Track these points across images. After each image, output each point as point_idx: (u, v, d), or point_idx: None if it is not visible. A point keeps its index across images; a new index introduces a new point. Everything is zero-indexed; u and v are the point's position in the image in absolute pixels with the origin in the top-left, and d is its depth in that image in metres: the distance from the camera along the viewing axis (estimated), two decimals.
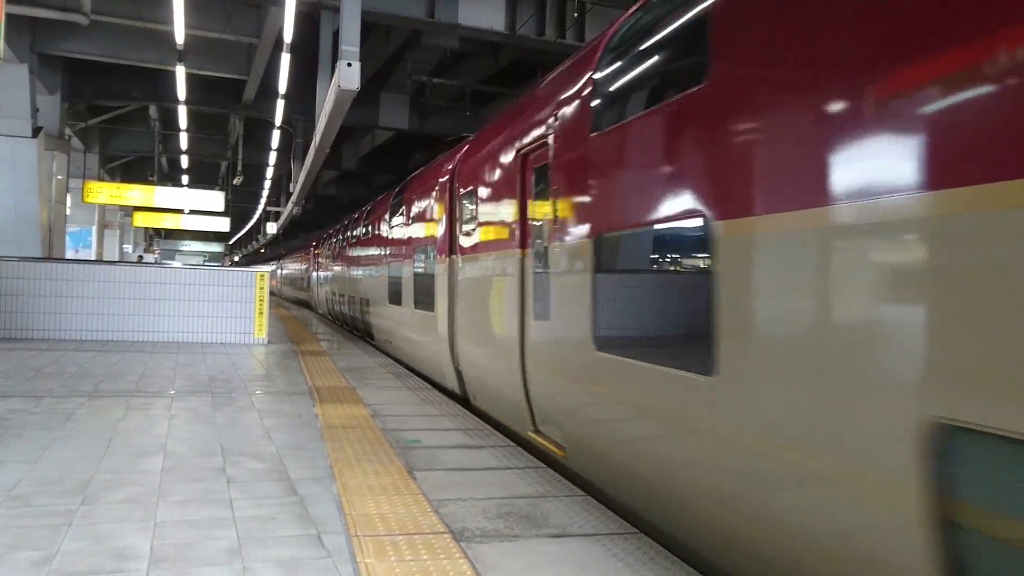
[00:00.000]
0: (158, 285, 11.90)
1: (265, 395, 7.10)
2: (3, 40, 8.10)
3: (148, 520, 3.46)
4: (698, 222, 3.30)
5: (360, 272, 14.54)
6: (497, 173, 6.31)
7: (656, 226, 3.71)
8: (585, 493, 4.15)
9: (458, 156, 8.01)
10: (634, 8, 4.35)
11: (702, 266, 3.33)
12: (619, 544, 3.34)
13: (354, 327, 15.78)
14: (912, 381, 2.16)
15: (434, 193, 8.65)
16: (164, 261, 41.45)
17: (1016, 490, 1.92)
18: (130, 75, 19.06)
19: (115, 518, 3.47)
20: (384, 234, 12.00)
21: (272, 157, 24.15)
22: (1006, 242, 1.90)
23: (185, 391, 7.15)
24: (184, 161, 27.56)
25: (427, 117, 19.92)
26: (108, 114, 23.98)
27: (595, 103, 4.48)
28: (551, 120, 5.07)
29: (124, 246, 39.27)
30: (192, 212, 29.76)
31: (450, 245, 7.75)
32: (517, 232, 5.69)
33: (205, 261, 62.07)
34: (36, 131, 16.15)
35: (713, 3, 3.30)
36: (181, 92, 16.59)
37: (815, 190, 2.57)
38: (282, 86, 14.63)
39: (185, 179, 31.71)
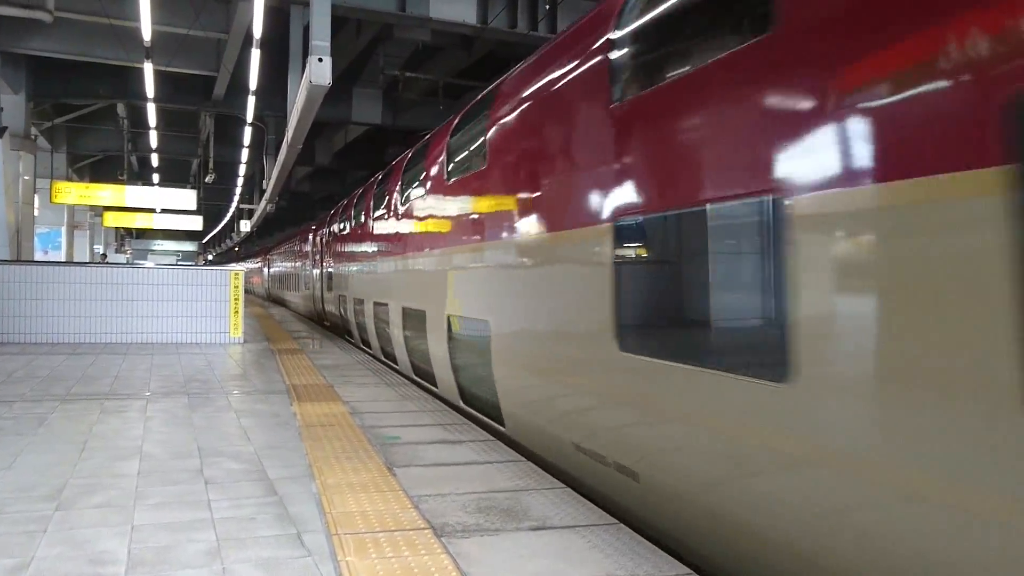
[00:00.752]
0: (131, 286, 11.75)
1: (242, 395, 7.04)
2: None
3: (125, 524, 3.42)
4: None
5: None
6: None
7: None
8: (564, 485, 4.17)
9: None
10: None
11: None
12: (599, 535, 3.37)
13: None
14: None
15: None
16: (136, 261, 40.83)
17: None
18: (97, 73, 18.69)
19: (91, 523, 3.43)
20: None
21: (244, 154, 23.89)
22: None
23: (161, 392, 7.07)
24: (155, 159, 27.12)
25: (400, 111, 19.83)
26: (75, 112, 23.59)
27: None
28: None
29: (95, 247, 38.66)
30: (164, 211, 29.42)
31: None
32: None
33: (178, 260, 61.34)
34: (1, 131, 15.82)
35: None
36: (149, 89, 16.31)
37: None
38: (252, 82, 14.47)
39: (156, 178, 31.28)
